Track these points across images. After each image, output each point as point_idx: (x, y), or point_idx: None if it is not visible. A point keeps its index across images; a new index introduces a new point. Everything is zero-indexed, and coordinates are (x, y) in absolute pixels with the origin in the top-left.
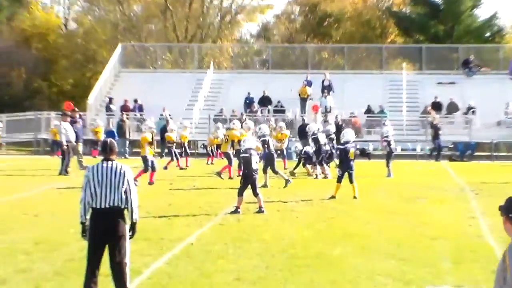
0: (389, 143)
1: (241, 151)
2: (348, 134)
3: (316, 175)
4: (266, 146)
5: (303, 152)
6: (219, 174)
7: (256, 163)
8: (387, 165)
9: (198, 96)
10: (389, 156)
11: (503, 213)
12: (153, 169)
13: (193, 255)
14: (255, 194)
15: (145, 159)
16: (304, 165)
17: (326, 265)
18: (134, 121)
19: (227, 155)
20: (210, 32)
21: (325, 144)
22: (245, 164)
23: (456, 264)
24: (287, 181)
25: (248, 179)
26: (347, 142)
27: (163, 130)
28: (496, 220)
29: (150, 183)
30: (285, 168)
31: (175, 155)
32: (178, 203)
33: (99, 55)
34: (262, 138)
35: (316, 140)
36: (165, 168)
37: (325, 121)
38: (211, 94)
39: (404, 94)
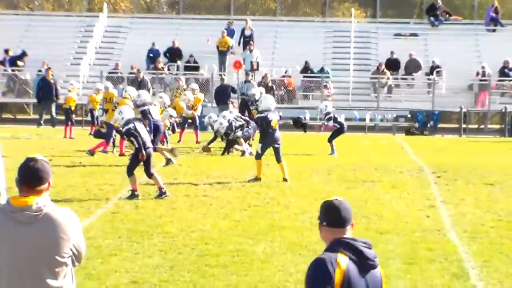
0: (335, 120)
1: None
2: (266, 100)
3: (243, 151)
4: (149, 116)
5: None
6: (91, 152)
7: (147, 134)
8: (330, 141)
9: (88, 47)
10: (338, 133)
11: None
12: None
13: None
14: (149, 174)
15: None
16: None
17: (247, 265)
18: (4, 78)
19: (109, 127)
20: None
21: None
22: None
23: (409, 265)
24: (168, 160)
25: (137, 155)
26: (267, 110)
27: (41, 89)
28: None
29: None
30: (197, 142)
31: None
32: (59, 185)
33: None
34: (141, 108)
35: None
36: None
37: (246, 82)
38: (104, 45)
39: (351, 48)
